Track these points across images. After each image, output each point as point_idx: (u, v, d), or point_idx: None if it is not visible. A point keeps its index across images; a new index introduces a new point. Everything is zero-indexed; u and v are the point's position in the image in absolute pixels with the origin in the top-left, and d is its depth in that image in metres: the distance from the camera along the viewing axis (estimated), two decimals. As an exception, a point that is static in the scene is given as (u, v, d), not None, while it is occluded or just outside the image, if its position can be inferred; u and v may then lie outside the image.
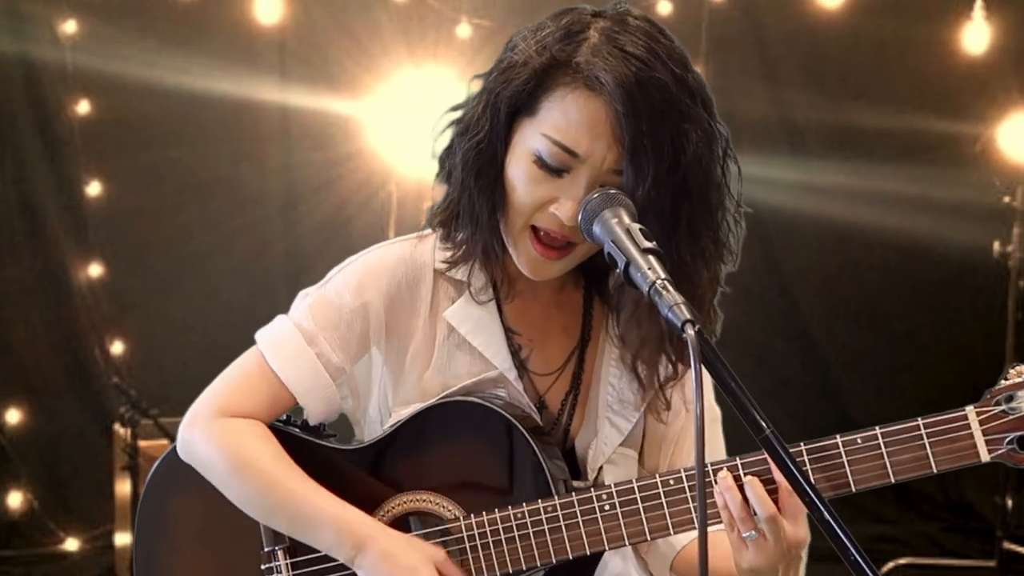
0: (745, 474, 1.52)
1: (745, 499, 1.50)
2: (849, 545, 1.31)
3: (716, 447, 1.78)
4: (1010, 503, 4.65)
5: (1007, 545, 4.66)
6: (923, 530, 5.01)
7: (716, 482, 1.52)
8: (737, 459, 1.54)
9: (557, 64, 1.57)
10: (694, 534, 1.69)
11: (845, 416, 5.24)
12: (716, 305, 1.67)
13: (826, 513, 1.33)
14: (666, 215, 1.56)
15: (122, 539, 4.37)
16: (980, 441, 1.48)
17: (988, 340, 4.95)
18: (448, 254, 1.71)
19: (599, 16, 1.59)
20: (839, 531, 1.31)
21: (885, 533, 4.88)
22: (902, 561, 4.67)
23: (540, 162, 1.57)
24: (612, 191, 1.51)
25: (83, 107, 4.89)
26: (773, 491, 1.50)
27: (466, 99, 1.70)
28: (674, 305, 1.34)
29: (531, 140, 1.58)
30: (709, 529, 1.46)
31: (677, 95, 1.53)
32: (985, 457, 1.48)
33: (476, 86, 1.69)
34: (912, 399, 5.08)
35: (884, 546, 4.74)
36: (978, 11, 4.75)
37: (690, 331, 1.31)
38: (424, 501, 1.67)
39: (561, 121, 1.55)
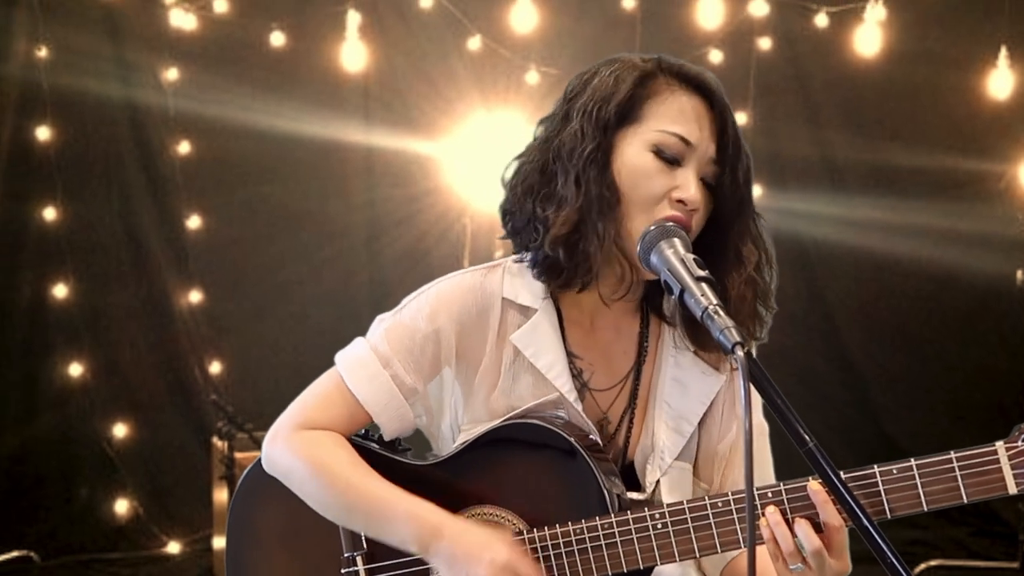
0: (792, 510, 1.55)
1: (792, 533, 1.52)
2: (886, 549, 1.36)
3: (764, 460, 1.80)
4: (1033, 510, 4.83)
5: (1030, 549, 4.83)
6: (952, 534, 5.07)
7: (764, 515, 1.55)
8: (781, 485, 1.57)
9: (652, 74, 1.70)
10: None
11: (880, 430, 5.39)
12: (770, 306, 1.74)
13: (865, 520, 1.37)
14: (743, 203, 1.71)
15: (220, 542, 4.51)
16: (1008, 475, 1.50)
17: (1011, 360, 5.13)
18: (561, 275, 1.71)
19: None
20: (877, 536, 1.36)
21: (918, 537, 4.94)
22: (933, 563, 4.79)
23: (660, 154, 1.67)
24: (668, 224, 1.60)
25: (184, 147, 5.09)
26: (819, 529, 1.53)
27: (541, 137, 1.76)
28: (725, 328, 1.39)
29: (645, 138, 1.68)
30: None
31: (728, 100, 1.72)
32: (1013, 490, 1.51)
33: (541, 129, 1.77)
34: (942, 414, 5.28)
35: (917, 549, 4.84)
36: (1003, 60, 4.91)
37: (739, 352, 1.35)
38: (490, 515, 1.71)
39: (674, 115, 1.68)
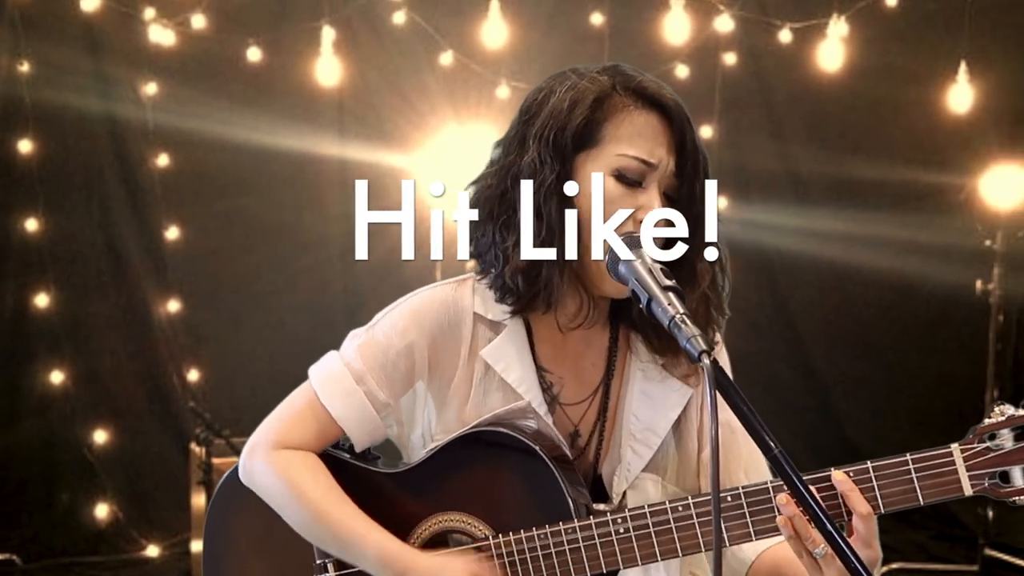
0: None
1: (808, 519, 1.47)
2: (848, 552, 1.37)
3: (758, 460, 1.77)
4: (991, 514, 4.88)
5: (988, 552, 4.90)
6: (913, 538, 5.12)
7: (777, 505, 1.53)
8: (740, 488, 1.58)
9: (608, 94, 1.67)
10: (760, 546, 1.74)
11: (843, 436, 5.45)
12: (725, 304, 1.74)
13: (828, 525, 1.38)
14: (699, 217, 1.66)
15: (198, 546, 4.09)
16: (964, 476, 1.51)
17: (971, 368, 5.16)
18: (519, 301, 1.71)
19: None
20: (840, 541, 1.38)
21: (879, 541, 5.03)
22: (895, 566, 4.84)
23: (622, 178, 1.65)
24: (635, 235, 1.56)
25: (163, 160, 5.15)
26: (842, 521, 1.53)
27: (497, 157, 1.74)
28: (691, 337, 1.38)
29: (606, 162, 1.65)
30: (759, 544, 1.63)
31: (688, 114, 1.70)
32: (968, 491, 1.51)
33: (498, 152, 1.75)
34: (903, 420, 5.33)
35: (878, 552, 4.90)
36: (962, 75, 4.99)
37: (706, 360, 1.35)
38: (457, 521, 1.74)
39: (632, 136, 1.65)
